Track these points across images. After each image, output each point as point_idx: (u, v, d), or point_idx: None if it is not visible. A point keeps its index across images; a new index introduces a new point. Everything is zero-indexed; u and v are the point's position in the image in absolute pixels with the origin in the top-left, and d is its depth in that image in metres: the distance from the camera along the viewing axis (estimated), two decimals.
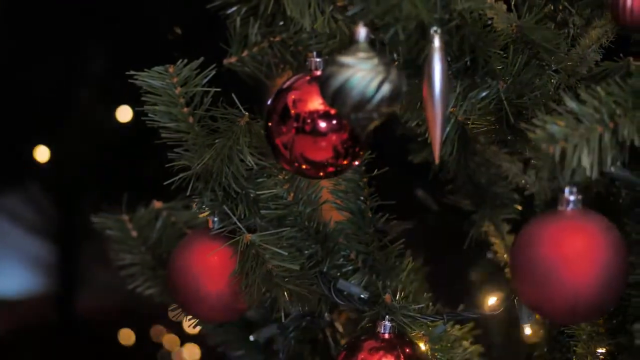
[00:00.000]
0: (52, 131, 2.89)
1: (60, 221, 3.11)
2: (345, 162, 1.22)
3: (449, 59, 1.19)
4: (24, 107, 2.81)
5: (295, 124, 1.21)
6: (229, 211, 1.31)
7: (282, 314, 1.33)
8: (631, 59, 1.24)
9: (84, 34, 2.78)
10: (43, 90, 2.84)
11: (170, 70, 1.31)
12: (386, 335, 1.30)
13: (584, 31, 1.30)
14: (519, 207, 1.46)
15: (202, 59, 1.33)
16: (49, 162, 2.86)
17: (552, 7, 1.31)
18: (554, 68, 1.27)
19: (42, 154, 2.83)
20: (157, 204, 1.52)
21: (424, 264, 1.55)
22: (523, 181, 1.34)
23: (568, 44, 1.30)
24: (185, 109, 1.31)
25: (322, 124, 1.20)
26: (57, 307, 3.18)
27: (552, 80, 1.27)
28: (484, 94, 1.25)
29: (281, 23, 1.37)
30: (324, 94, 1.09)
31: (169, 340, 2.77)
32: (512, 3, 1.26)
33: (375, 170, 1.35)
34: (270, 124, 1.23)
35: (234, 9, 1.37)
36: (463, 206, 1.48)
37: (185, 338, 2.67)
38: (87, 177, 2.98)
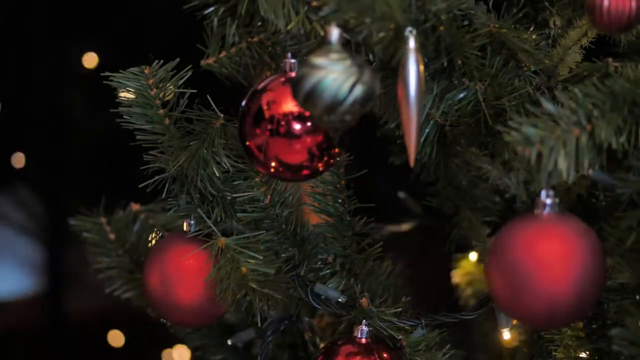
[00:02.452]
0: (40, 133, 2.88)
1: (50, 223, 3.10)
2: (320, 164, 1.20)
3: (425, 60, 1.17)
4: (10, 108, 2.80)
5: (269, 126, 1.19)
6: (203, 215, 1.29)
7: (259, 319, 1.31)
8: (610, 59, 1.22)
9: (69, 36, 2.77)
10: (29, 93, 2.83)
11: (146, 71, 1.30)
12: (363, 340, 1.29)
13: (564, 32, 1.29)
14: (500, 210, 1.44)
15: (177, 60, 1.31)
16: (36, 164, 2.86)
17: (532, 8, 1.30)
18: (533, 69, 1.25)
19: (28, 156, 2.83)
20: (135, 207, 1.50)
21: (405, 266, 1.53)
22: (503, 183, 1.32)
23: (549, 45, 1.29)
24: (161, 111, 1.29)
25: (297, 126, 1.18)
26: (47, 308, 3.17)
27: (532, 82, 1.26)
28: (461, 95, 1.23)
29: (259, 24, 1.35)
30: (295, 96, 1.08)
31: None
32: (490, 3, 1.24)
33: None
34: (244, 126, 1.21)
35: (211, 9, 1.35)
36: (444, 209, 1.46)
37: (175, 340, 2.65)
38: (76, 179, 2.97)
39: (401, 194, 1.66)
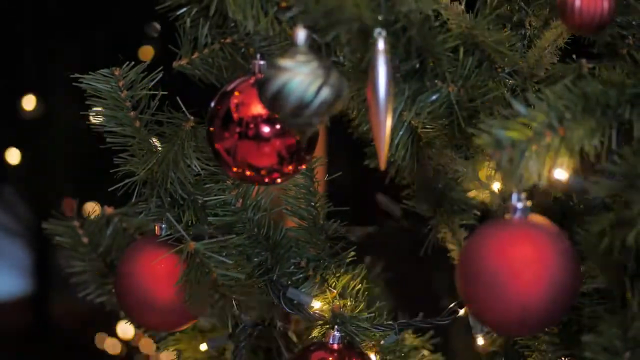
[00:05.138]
0: (27, 134, 2.87)
1: (37, 225, 3.09)
2: (290, 167, 1.19)
3: (397, 61, 1.16)
4: None
5: (238, 129, 1.17)
6: (172, 219, 1.27)
7: (230, 323, 1.29)
8: (584, 61, 1.20)
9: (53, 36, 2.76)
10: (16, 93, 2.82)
11: (116, 73, 1.28)
12: (335, 346, 1.27)
13: (540, 32, 1.27)
14: (478, 213, 1.42)
15: (148, 62, 1.30)
16: (24, 164, 2.84)
17: (508, 8, 1.28)
18: (507, 71, 1.23)
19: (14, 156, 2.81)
20: (109, 210, 1.48)
21: (383, 270, 1.52)
22: (478, 186, 1.30)
23: (524, 46, 1.27)
24: (132, 113, 1.28)
25: (266, 129, 1.17)
26: (35, 310, 3.16)
27: (507, 83, 1.24)
28: (434, 97, 1.21)
29: (232, 25, 1.33)
30: (262, 98, 1.06)
31: (145, 344, 2.74)
32: (464, 4, 1.22)
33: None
34: (212, 128, 1.19)
35: (184, 10, 1.33)
36: (421, 212, 1.44)
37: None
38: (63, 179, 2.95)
39: (380, 197, 1.64)
